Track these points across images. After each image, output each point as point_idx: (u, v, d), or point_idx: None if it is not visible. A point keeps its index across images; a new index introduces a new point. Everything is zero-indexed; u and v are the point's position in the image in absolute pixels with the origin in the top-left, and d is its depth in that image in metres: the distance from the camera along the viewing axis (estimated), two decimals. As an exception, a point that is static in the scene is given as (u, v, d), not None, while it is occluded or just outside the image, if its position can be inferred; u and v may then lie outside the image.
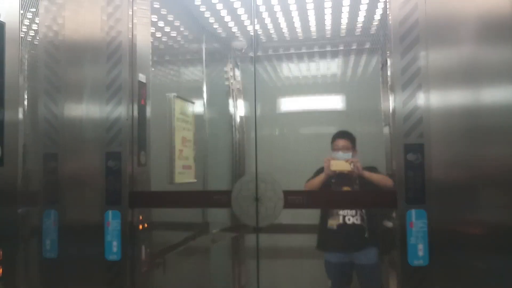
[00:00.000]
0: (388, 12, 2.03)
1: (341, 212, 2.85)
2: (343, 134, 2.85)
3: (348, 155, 2.74)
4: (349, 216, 2.85)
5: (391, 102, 2.11)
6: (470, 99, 1.89)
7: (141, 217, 2.25)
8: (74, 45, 2.25)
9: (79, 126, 2.22)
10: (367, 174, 2.69)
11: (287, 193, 2.09)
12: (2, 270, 2.16)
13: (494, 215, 1.83)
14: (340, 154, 2.75)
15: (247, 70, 3.53)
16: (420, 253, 1.84)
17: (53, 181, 2.20)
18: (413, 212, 1.85)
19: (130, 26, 2.22)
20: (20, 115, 2.27)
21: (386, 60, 2.71)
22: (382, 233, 2.74)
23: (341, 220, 2.84)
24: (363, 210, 2.82)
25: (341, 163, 2.70)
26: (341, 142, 2.82)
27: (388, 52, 2.50)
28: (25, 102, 2.41)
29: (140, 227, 2.25)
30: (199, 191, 2.84)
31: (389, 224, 2.60)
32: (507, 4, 1.84)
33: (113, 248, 2.11)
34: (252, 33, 3.04)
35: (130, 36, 2.21)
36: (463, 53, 1.90)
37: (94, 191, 2.16)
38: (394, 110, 1.96)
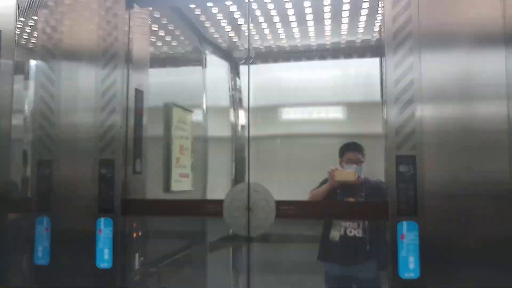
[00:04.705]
0: (381, 24, 2.03)
1: (343, 224, 2.82)
2: (354, 147, 2.84)
3: (359, 167, 2.74)
4: (351, 229, 2.82)
5: (384, 114, 2.11)
6: (462, 112, 1.89)
7: (134, 225, 2.25)
8: (70, 52, 2.28)
9: (74, 134, 2.24)
10: None
11: (279, 203, 2.08)
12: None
13: (486, 227, 1.81)
14: (351, 166, 2.75)
15: (246, 80, 3.53)
16: (411, 266, 1.82)
17: (46, 187, 2.21)
18: (404, 224, 1.84)
19: (127, 34, 2.24)
20: (14, 121, 2.29)
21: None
22: (381, 247, 2.71)
23: (342, 232, 2.82)
24: (366, 223, 2.80)
25: (345, 173, 2.67)
26: (351, 154, 2.81)
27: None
28: (26, 109, 2.44)
29: (134, 235, 2.25)
30: (191, 199, 2.82)
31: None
32: (499, 16, 1.84)
33: (105, 255, 2.11)
34: (247, 46, 3.06)
35: (127, 44, 2.24)
36: (456, 66, 1.91)
37: (87, 198, 2.17)
38: (386, 122, 1.96)
